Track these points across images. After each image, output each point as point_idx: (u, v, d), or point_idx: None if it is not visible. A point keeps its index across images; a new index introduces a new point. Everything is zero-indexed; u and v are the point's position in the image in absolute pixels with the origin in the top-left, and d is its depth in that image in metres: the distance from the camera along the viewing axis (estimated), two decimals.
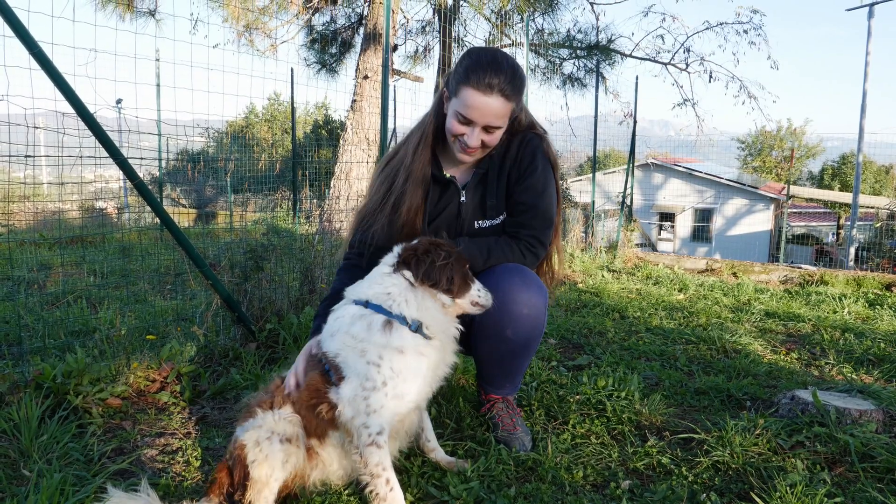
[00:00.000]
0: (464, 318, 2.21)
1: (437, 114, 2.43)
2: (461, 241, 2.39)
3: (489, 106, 2.23)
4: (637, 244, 10.95)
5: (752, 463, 2.33)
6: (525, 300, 2.33)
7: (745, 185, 26.27)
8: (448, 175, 2.47)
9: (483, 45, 11.92)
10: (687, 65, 11.82)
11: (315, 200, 11.28)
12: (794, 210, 25.91)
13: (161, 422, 2.78)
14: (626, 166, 11.55)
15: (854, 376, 3.72)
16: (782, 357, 4.12)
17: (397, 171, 2.44)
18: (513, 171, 2.46)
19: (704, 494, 2.12)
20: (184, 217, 14.98)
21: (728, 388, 3.26)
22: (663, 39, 11.90)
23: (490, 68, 2.21)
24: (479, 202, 2.50)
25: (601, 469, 2.33)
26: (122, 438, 2.56)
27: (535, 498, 2.09)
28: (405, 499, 2.04)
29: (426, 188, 2.43)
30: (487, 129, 2.29)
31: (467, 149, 2.33)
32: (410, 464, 2.27)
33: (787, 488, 2.06)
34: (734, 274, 8.74)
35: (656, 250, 17.01)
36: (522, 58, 8.36)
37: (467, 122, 2.27)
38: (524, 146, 2.46)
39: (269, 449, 1.94)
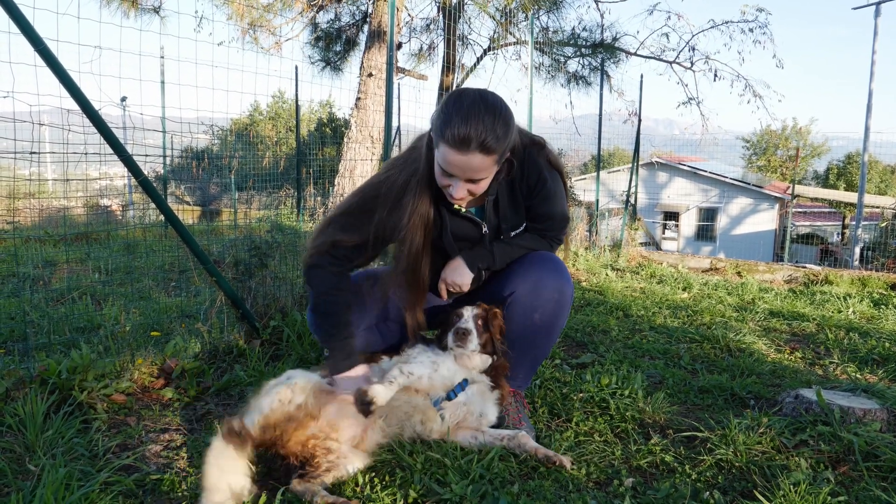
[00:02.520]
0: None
1: (429, 156, 2.31)
2: (492, 245, 2.53)
3: (468, 163, 2.10)
4: (641, 243, 10.92)
5: (755, 461, 2.33)
6: (557, 286, 2.48)
7: (749, 184, 26.20)
8: (464, 210, 2.47)
9: (487, 42, 11.91)
10: (692, 63, 11.80)
11: (319, 198, 11.28)
12: (799, 209, 25.85)
13: (165, 418, 2.79)
14: (630, 165, 11.53)
15: (858, 376, 3.71)
16: (786, 356, 4.11)
17: (391, 211, 2.38)
18: (523, 188, 2.48)
19: (708, 493, 2.12)
20: (188, 214, 15.02)
21: (732, 386, 3.26)
22: (668, 38, 11.89)
23: (466, 122, 2.04)
24: (496, 227, 2.53)
25: (604, 467, 2.33)
26: (126, 434, 2.57)
27: (538, 495, 2.09)
28: (409, 496, 2.06)
29: (426, 229, 2.41)
30: (471, 180, 2.20)
31: (454, 199, 2.28)
32: (413, 460, 2.27)
33: (791, 487, 2.06)
34: (738, 273, 8.73)
35: (660, 249, 16.95)
36: (527, 56, 8.35)
37: (449, 175, 2.19)
38: (528, 163, 2.44)
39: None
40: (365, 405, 2.11)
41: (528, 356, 2.64)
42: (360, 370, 2.41)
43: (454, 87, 11.57)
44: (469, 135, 2.04)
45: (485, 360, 2.55)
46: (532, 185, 2.46)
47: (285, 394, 2.18)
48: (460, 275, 2.53)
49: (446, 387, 2.43)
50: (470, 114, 2.06)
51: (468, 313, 2.54)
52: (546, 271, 2.49)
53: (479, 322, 2.52)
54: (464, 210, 2.47)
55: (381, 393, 2.16)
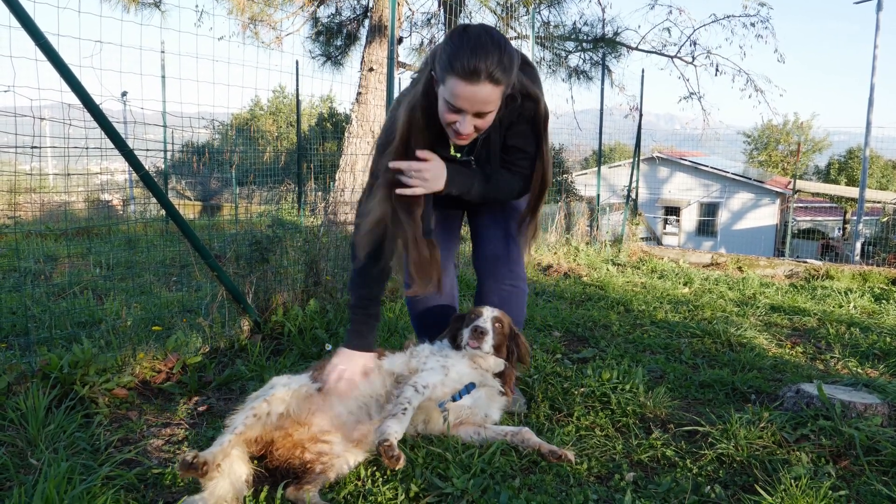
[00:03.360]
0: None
1: (428, 94, 2.29)
2: (457, 168, 2.41)
3: (478, 94, 2.11)
4: (642, 238, 10.92)
5: (756, 456, 2.33)
6: (514, 246, 2.79)
7: (750, 179, 26.13)
8: (459, 156, 2.47)
9: None
10: (693, 58, 11.74)
11: (320, 193, 11.26)
12: (800, 204, 25.74)
13: (166, 412, 2.79)
14: (631, 160, 11.52)
15: (859, 370, 3.71)
16: (787, 351, 4.11)
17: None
18: (504, 121, 2.44)
19: (709, 487, 2.12)
20: (189, 209, 15.01)
21: (733, 381, 3.26)
22: (669, 32, 11.82)
23: (475, 54, 2.05)
24: (485, 161, 2.52)
25: (605, 461, 2.34)
26: (128, 428, 2.57)
27: (540, 489, 2.09)
28: (410, 490, 2.06)
29: None
30: (479, 114, 2.19)
31: (460, 135, 2.26)
32: (415, 455, 2.28)
33: (792, 481, 2.06)
34: (739, 268, 8.72)
35: (661, 244, 16.96)
36: (528, 51, 8.33)
37: (457, 110, 2.17)
38: (515, 106, 2.40)
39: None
40: (392, 458, 2.01)
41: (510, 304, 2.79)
42: (361, 359, 2.45)
43: None
44: (478, 66, 2.05)
45: (498, 364, 2.58)
46: (512, 118, 2.44)
47: (261, 408, 2.16)
48: (435, 180, 2.32)
49: (455, 390, 2.44)
50: (478, 46, 2.06)
51: (487, 313, 2.59)
52: (503, 239, 2.78)
53: (496, 325, 2.58)
54: (460, 157, 2.47)
55: (396, 430, 2.10)
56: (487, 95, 2.12)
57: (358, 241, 2.47)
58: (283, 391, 2.24)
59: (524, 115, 2.44)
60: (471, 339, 2.50)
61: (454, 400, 2.42)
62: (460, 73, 2.06)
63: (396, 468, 2.05)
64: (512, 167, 2.55)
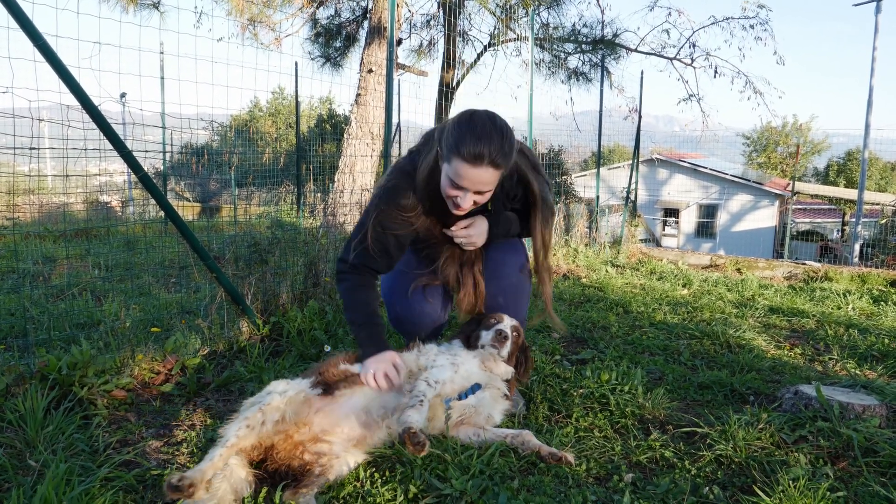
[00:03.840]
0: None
1: (435, 172, 2.51)
2: (491, 220, 2.75)
3: (480, 176, 2.33)
4: (641, 239, 10.91)
5: (755, 457, 2.33)
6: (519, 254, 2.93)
7: (749, 181, 26.15)
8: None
9: (488, 39, 11.90)
10: (692, 60, 11.77)
11: (319, 194, 11.28)
12: (799, 206, 25.76)
13: (165, 413, 2.79)
14: (630, 161, 11.52)
15: (858, 372, 3.71)
16: (786, 352, 4.11)
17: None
18: (510, 193, 2.74)
19: (707, 488, 2.13)
20: (188, 211, 15.03)
21: (731, 382, 3.26)
22: (669, 34, 11.88)
23: (480, 140, 2.28)
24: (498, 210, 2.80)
25: (604, 462, 2.34)
26: (126, 430, 2.57)
27: (539, 490, 2.09)
28: (409, 491, 2.06)
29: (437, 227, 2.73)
30: (478, 192, 2.41)
31: (458, 208, 2.48)
32: (414, 456, 2.27)
33: (790, 482, 2.07)
34: (738, 270, 8.73)
35: (660, 246, 16.96)
36: (527, 52, 8.34)
37: (459, 187, 2.39)
38: (515, 180, 2.67)
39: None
40: (418, 444, 2.07)
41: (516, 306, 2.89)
42: (387, 355, 2.49)
43: (454, 84, 11.57)
44: (482, 151, 2.28)
45: (507, 371, 2.63)
46: (514, 191, 2.74)
47: (255, 418, 2.15)
48: (481, 237, 2.72)
49: (463, 388, 2.47)
50: (482, 133, 2.29)
51: (507, 321, 2.69)
52: (508, 249, 2.90)
53: (514, 334, 2.67)
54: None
55: (417, 420, 2.17)
56: (489, 178, 2.35)
57: (369, 265, 2.64)
58: (278, 399, 2.21)
59: (519, 189, 2.73)
60: (494, 341, 2.60)
61: (460, 398, 2.43)
62: (465, 156, 2.29)
63: (422, 455, 2.11)
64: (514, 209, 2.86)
